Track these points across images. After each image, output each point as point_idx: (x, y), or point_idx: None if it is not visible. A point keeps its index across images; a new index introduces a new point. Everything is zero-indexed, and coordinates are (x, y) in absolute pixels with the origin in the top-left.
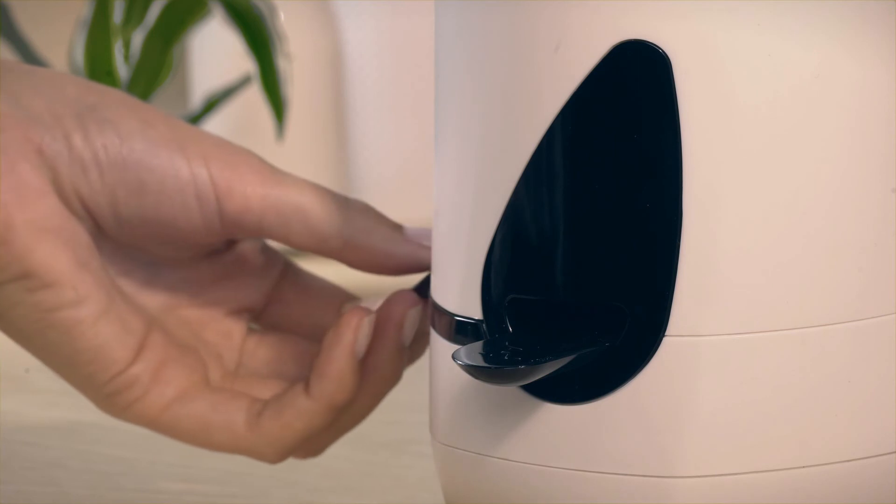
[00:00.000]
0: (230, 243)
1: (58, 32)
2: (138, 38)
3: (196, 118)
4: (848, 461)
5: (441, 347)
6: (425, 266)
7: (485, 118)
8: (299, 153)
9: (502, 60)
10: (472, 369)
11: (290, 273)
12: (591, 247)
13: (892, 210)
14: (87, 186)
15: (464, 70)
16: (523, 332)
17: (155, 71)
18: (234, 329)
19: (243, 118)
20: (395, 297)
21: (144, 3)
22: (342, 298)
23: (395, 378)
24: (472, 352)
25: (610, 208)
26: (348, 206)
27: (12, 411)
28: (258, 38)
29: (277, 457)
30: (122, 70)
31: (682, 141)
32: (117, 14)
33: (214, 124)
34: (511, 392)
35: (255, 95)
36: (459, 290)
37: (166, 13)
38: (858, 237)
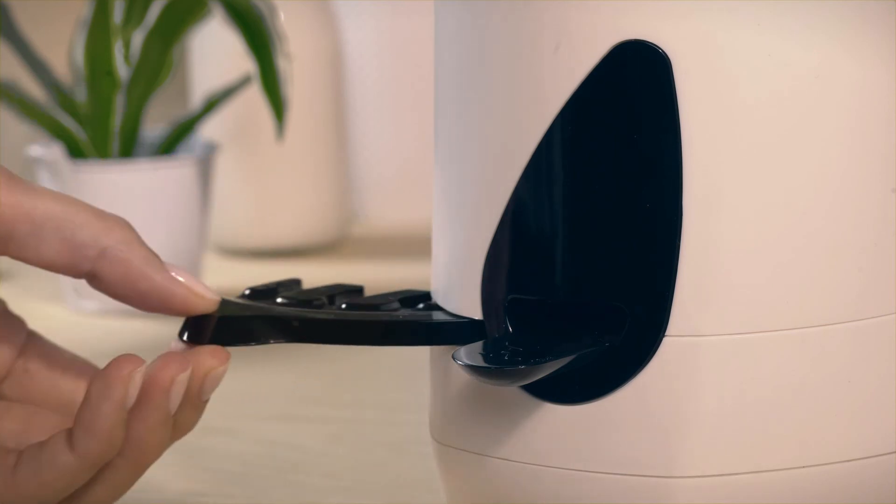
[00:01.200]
0: None
1: (58, 32)
2: (138, 38)
3: (196, 118)
4: (848, 461)
5: (441, 347)
6: (176, 306)
7: (485, 118)
8: (299, 153)
9: (502, 60)
10: (472, 369)
11: (34, 344)
12: (591, 247)
13: (892, 210)
14: None
15: (464, 70)
16: (523, 332)
17: (155, 71)
18: None
19: (243, 118)
20: (163, 360)
21: (144, 3)
22: (91, 373)
23: (158, 451)
24: (472, 352)
25: (610, 208)
26: (107, 217)
27: None
28: (258, 38)
29: None
30: (122, 70)
31: (682, 141)
32: (117, 14)
33: (214, 124)
34: (511, 392)
35: (255, 95)
36: (459, 290)
37: (166, 13)
38: (858, 237)
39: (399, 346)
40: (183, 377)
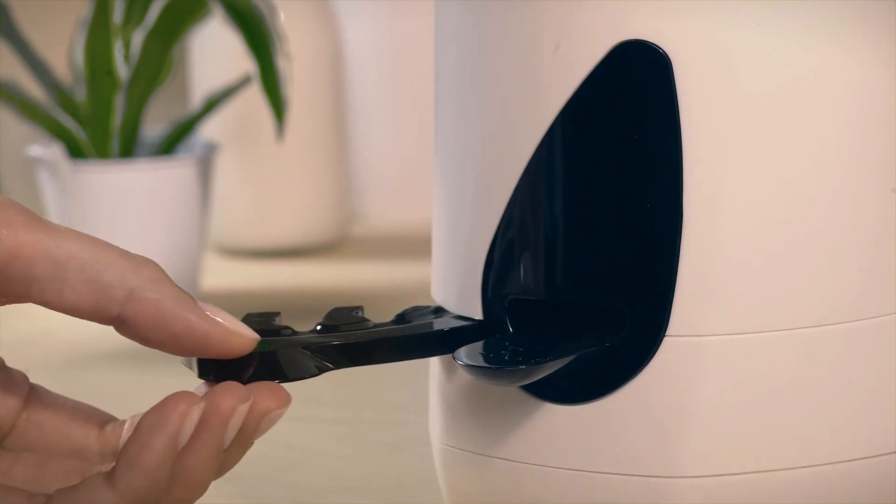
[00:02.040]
0: None
1: (58, 32)
2: (138, 38)
3: (196, 118)
4: (848, 461)
5: None
6: (213, 348)
7: (485, 118)
8: (299, 153)
9: (503, 61)
10: (472, 369)
11: (38, 396)
12: (591, 247)
13: (892, 210)
14: None
15: (464, 70)
16: (523, 332)
17: (155, 71)
18: None
19: (243, 118)
20: (223, 389)
21: (144, 3)
22: (102, 418)
23: (203, 487)
24: (473, 352)
25: (610, 208)
26: (133, 257)
27: None
28: (258, 38)
29: None
30: (122, 70)
31: (683, 141)
32: (117, 14)
33: (214, 124)
34: (512, 392)
35: (255, 95)
36: (459, 290)
37: (166, 13)
38: (858, 237)
39: (444, 354)
40: (243, 408)
